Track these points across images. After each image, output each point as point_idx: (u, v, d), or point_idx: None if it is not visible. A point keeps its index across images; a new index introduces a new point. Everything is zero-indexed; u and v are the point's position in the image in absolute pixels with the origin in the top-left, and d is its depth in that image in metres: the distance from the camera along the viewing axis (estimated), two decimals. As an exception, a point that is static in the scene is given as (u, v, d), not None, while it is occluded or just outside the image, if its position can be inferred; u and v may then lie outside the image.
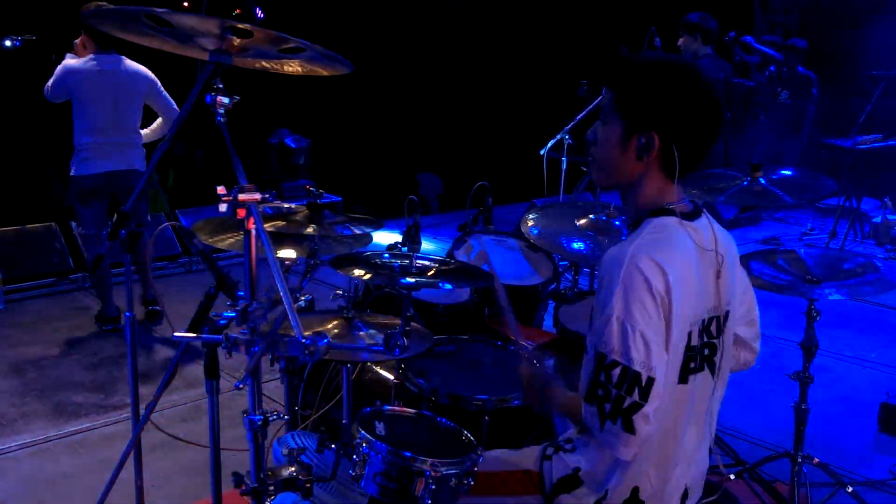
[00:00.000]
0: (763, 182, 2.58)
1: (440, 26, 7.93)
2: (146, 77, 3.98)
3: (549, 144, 4.74)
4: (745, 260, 2.42)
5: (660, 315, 1.33)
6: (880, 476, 2.82)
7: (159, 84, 4.02)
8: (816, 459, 2.60)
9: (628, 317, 1.31)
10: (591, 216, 2.58)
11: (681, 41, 4.17)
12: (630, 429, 1.32)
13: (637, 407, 1.31)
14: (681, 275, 1.35)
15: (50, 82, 3.85)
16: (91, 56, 3.86)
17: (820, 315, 2.42)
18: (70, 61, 3.88)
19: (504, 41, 8.12)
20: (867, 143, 5.94)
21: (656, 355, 1.31)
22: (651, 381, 1.31)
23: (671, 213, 1.42)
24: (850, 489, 2.59)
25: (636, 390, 1.31)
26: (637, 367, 1.31)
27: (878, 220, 6.28)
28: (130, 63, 3.94)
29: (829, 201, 6.50)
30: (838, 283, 2.37)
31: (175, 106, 4.05)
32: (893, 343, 4.23)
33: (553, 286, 2.90)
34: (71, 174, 3.93)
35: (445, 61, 7.73)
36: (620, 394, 1.31)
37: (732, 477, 2.63)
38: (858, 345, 4.16)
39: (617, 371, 1.32)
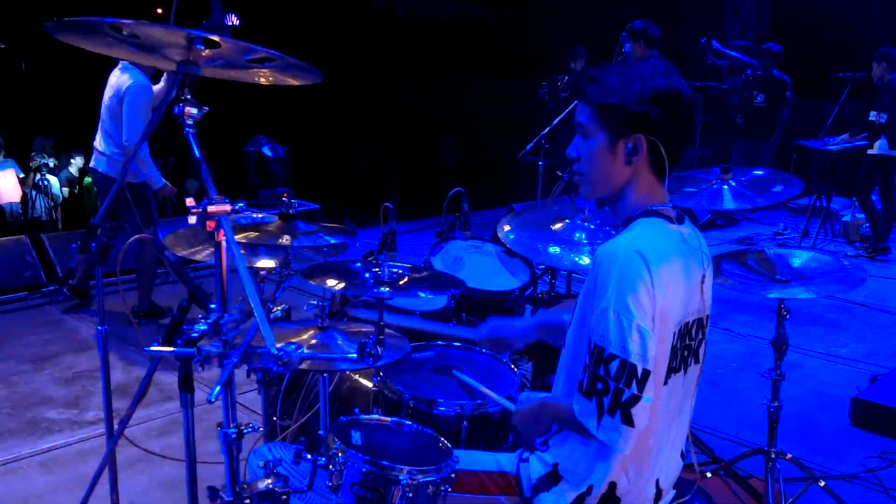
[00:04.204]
0: (733, 184, 2.63)
1: (418, 34, 7.95)
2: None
3: (527, 148, 4.77)
4: (717, 261, 2.46)
5: (653, 309, 1.35)
6: (852, 469, 2.88)
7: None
8: (789, 455, 2.65)
9: (623, 309, 1.33)
10: (566, 220, 2.59)
11: (628, 48, 4.40)
12: (629, 421, 1.33)
13: (635, 399, 1.33)
14: (670, 273, 1.38)
15: None
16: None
17: (790, 313, 2.47)
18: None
19: (480, 45, 8.17)
20: (836, 144, 6.08)
21: (651, 348, 1.33)
22: (647, 373, 1.33)
23: (661, 214, 1.45)
24: (822, 483, 2.64)
25: (634, 382, 1.32)
26: (634, 360, 1.32)
27: (847, 218, 6.43)
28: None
29: (800, 201, 6.63)
30: (807, 282, 2.42)
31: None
32: (863, 339, 4.31)
33: (530, 291, 2.91)
34: None
35: (421, 67, 7.75)
36: (619, 386, 1.32)
37: (709, 474, 2.67)
38: (829, 341, 4.24)
39: (615, 364, 1.33)
